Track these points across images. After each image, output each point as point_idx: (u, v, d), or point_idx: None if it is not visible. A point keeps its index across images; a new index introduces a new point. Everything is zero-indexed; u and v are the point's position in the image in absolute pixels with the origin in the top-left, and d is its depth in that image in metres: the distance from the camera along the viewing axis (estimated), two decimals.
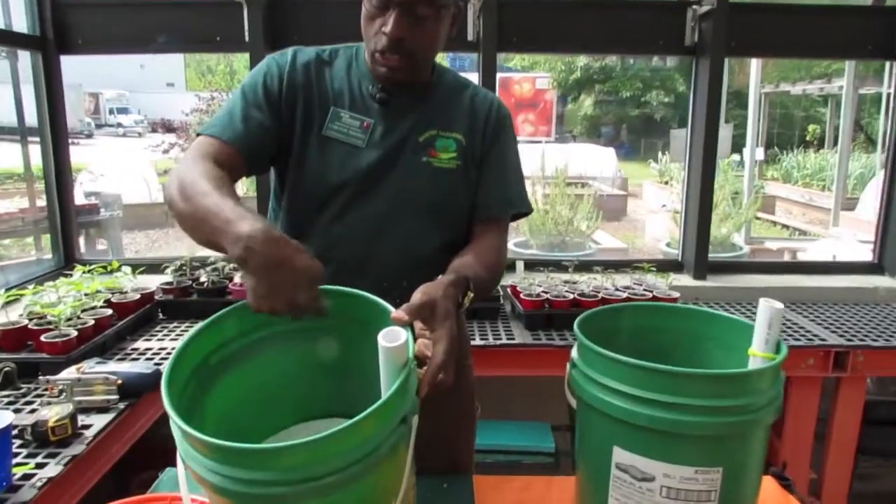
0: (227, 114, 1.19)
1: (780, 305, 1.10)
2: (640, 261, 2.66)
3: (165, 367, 0.84)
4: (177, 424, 0.75)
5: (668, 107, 18.69)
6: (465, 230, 1.32)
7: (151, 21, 2.57)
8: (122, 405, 1.58)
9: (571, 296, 2.17)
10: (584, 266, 2.52)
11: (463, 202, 1.31)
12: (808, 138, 15.72)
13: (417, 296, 0.98)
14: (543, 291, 2.20)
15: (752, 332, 1.17)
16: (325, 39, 2.55)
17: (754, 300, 2.59)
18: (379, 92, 1.26)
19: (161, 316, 2.28)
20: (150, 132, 16.31)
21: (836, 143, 12.62)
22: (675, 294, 2.24)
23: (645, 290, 2.27)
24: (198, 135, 1.17)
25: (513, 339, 2.06)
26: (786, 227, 8.23)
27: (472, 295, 1.10)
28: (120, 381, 1.58)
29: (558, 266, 2.49)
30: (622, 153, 16.10)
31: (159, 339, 2.06)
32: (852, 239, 4.47)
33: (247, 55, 2.51)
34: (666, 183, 12.26)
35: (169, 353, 1.93)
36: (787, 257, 4.26)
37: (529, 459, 2.07)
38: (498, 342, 2.02)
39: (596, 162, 11.68)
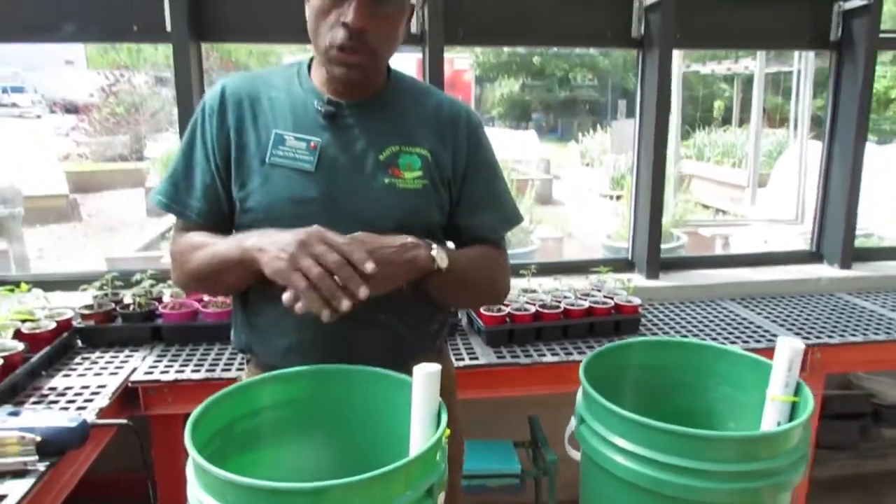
0: (179, 180, 1.16)
1: (800, 346, 1.02)
2: (594, 262, 2.60)
3: (191, 417, 0.85)
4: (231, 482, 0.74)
5: (591, 88, 18.90)
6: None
7: (58, 6, 2.24)
8: (41, 466, 1.35)
9: (533, 308, 2.07)
10: (542, 270, 2.41)
11: (433, 227, 1.17)
12: (714, 114, 16.24)
13: None
14: (504, 304, 2.08)
15: (762, 368, 1.09)
16: (259, 28, 2.30)
17: (707, 298, 2.57)
18: (325, 105, 1.10)
19: (80, 344, 2.01)
20: (50, 113, 15.17)
21: (741, 121, 13.14)
22: (636, 301, 2.18)
23: (605, 297, 2.19)
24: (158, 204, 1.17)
25: (476, 358, 1.93)
26: (706, 206, 8.43)
27: (445, 262, 1.07)
28: (39, 439, 1.35)
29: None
30: (540, 134, 16.13)
31: (81, 375, 1.81)
32: (779, 225, 4.61)
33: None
34: (588, 165, 12.39)
35: (94, 392, 1.70)
36: (719, 244, 4.33)
37: (495, 482, 1.96)
38: (462, 363, 1.89)
39: (519, 145, 11.62)
